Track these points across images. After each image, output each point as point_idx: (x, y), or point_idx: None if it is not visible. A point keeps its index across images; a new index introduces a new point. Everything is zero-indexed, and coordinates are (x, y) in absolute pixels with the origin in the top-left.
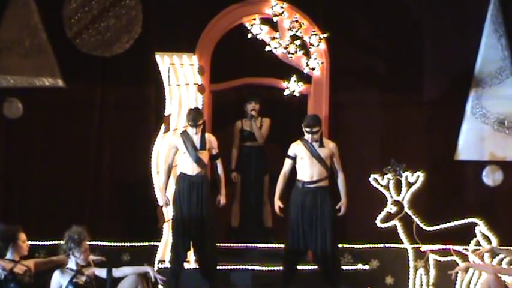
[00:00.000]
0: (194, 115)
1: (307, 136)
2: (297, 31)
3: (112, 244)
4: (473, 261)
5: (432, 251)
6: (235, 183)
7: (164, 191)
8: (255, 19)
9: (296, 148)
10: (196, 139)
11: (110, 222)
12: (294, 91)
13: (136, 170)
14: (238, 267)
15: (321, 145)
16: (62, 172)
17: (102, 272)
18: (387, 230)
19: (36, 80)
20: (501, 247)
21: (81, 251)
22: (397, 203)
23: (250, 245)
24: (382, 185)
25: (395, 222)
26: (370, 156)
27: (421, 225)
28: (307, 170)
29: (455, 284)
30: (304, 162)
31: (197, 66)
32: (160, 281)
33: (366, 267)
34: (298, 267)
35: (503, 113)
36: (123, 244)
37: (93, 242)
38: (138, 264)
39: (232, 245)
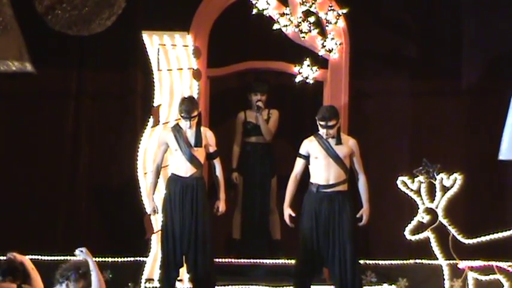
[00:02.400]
0: (188, 105)
1: (322, 131)
2: (310, 6)
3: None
4: None
5: (472, 268)
6: (237, 187)
7: (152, 196)
8: None
9: (309, 146)
10: (191, 134)
11: (88, 234)
12: (307, 77)
13: (119, 171)
14: (240, 286)
15: (339, 142)
16: (30, 173)
17: None
18: (418, 243)
19: (0, 64)
20: None
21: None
22: (430, 211)
23: (255, 260)
24: (412, 190)
25: (428, 233)
26: (398, 155)
27: (459, 237)
28: (323, 172)
29: None
30: (318, 163)
31: (192, 48)
32: None
33: (393, 287)
34: (312, 287)
35: None
36: (103, 259)
37: (69, 257)
38: (122, 283)
39: (233, 260)
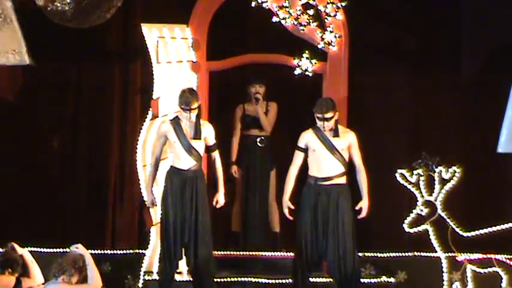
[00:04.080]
0: (188, 97)
1: (320, 124)
2: None
3: (90, 252)
4: None
5: (470, 261)
6: (236, 180)
7: (150, 188)
8: None
9: (307, 138)
10: (190, 126)
11: (86, 226)
12: (306, 70)
13: (118, 163)
14: (239, 279)
15: (337, 134)
16: (28, 167)
17: None
18: (417, 236)
19: None
20: None
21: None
22: (428, 203)
23: (254, 253)
24: (410, 183)
25: (427, 226)
26: (397, 148)
27: (457, 230)
28: (321, 165)
29: None
30: (317, 155)
31: (191, 41)
32: None
33: (392, 280)
34: (311, 279)
35: None
36: (102, 252)
37: (67, 250)
38: (120, 275)
39: (232, 253)
